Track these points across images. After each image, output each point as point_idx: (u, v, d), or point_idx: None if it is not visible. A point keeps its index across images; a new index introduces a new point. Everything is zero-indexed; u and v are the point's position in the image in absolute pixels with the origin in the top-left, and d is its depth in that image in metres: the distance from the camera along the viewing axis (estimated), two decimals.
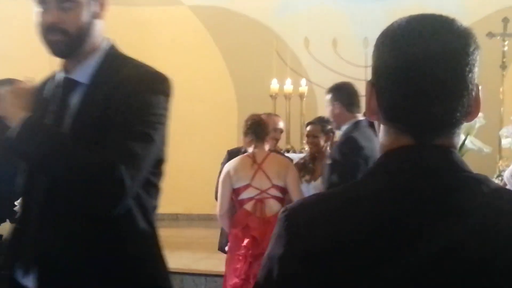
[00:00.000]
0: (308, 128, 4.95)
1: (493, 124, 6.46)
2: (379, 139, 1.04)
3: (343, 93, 4.00)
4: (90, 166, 1.68)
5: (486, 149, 6.16)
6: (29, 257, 1.81)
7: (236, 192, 4.31)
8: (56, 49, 1.82)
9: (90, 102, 1.80)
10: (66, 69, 1.89)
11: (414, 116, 0.97)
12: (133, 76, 1.81)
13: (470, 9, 7.90)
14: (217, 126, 8.57)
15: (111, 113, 1.73)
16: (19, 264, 1.84)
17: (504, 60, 7.07)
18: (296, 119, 7.61)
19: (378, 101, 1.01)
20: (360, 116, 3.95)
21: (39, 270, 1.79)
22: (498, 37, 6.97)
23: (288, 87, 7.80)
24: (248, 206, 4.27)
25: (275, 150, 5.21)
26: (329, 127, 4.61)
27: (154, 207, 1.92)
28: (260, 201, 4.26)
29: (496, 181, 5.43)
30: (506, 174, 5.19)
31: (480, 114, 1.03)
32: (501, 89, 7.10)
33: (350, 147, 3.77)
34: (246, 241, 4.19)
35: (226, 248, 4.48)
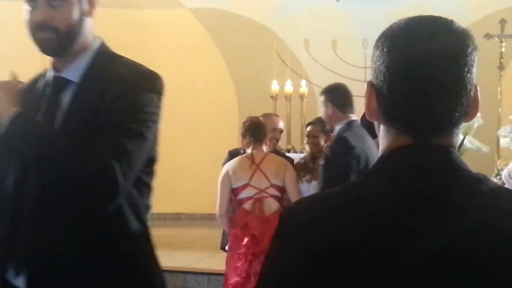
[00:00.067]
0: (308, 128, 4.99)
1: (491, 124, 6.51)
2: (379, 139, 1.04)
3: (335, 94, 4.02)
4: (82, 162, 1.66)
5: (485, 148, 6.21)
6: (21, 257, 1.79)
7: (235, 191, 4.36)
8: (46, 47, 1.80)
9: (81, 101, 1.78)
10: (56, 67, 1.87)
11: (414, 116, 0.97)
12: (126, 74, 1.79)
13: (468, 10, 7.93)
14: (218, 127, 8.57)
15: (103, 111, 1.71)
16: (10, 264, 1.80)
17: (502, 61, 7.11)
18: (297, 120, 7.64)
19: (377, 102, 1.01)
20: (353, 117, 3.98)
21: (30, 271, 1.77)
22: (496, 38, 7.01)
23: (289, 88, 7.83)
24: (247, 206, 4.31)
25: (276, 150, 5.27)
26: (329, 127, 4.66)
27: (147, 207, 1.90)
28: (258, 200, 4.30)
29: (495, 180, 5.48)
30: (504, 174, 5.25)
31: (478, 114, 1.04)
32: (499, 90, 7.12)
33: (342, 147, 3.81)
34: (246, 239, 4.23)
35: (227, 248, 4.52)
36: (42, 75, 1.93)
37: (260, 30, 8.86)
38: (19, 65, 1.82)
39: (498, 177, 5.89)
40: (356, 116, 4.01)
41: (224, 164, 4.60)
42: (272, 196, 4.32)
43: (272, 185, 4.32)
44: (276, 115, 5.52)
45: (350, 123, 3.95)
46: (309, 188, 4.60)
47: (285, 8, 8.89)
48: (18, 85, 1.79)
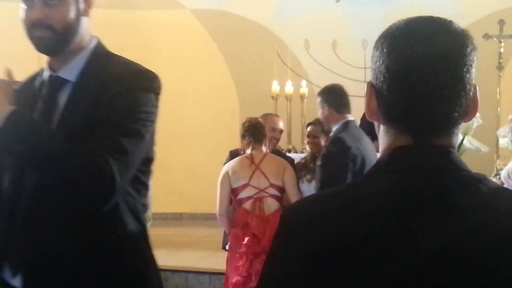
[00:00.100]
0: (309, 128, 5.03)
1: (490, 124, 6.53)
2: (379, 139, 1.05)
3: (331, 95, 4.04)
4: (79, 161, 1.64)
5: (484, 148, 6.25)
6: (17, 257, 1.78)
7: (234, 191, 4.39)
8: (43, 45, 1.78)
9: (78, 100, 1.77)
10: (52, 67, 1.86)
11: (413, 117, 0.97)
12: (123, 73, 1.78)
13: (467, 11, 7.93)
14: (220, 128, 8.57)
15: (100, 110, 1.70)
16: (7, 264, 1.80)
17: (501, 61, 7.12)
18: (297, 120, 7.66)
19: (377, 102, 1.01)
20: (350, 117, 4.00)
21: (26, 271, 1.76)
22: (494, 39, 7.02)
23: (289, 88, 7.85)
24: (247, 205, 4.35)
25: (276, 150, 5.31)
26: (327, 128, 4.69)
27: (144, 206, 1.90)
28: (258, 200, 4.34)
29: (494, 180, 5.51)
30: (503, 173, 5.26)
31: (477, 114, 1.04)
32: (498, 90, 7.13)
33: (338, 147, 3.82)
34: (246, 239, 4.26)
35: (226, 247, 4.56)
36: (39, 75, 1.92)
37: (261, 31, 8.87)
38: (16, 65, 1.81)
39: (497, 177, 5.90)
40: (353, 116, 4.02)
41: (225, 163, 4.63)
42: (271, 195, 4.36)
43: (272, 185, 4.36)
44: (276, 115, 5.55)
45: (347, 124, 3.96)
46: (310, 188, 4.63)
47: (285, 10, 8.89)
48: (13, 83, 1.76)
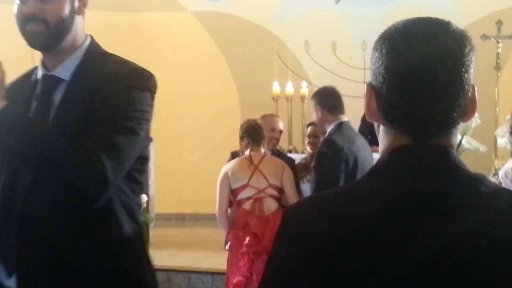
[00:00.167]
0: (309, 128, 5.09)
1: (488, 124, 6.52)
2: (378, 140, 1.05)
3: (324, 97, 4.04)
4: (71, 156, 1.62)
5: (482, 148, 6.29)
6: (12, 258, 1.75)
7: (234, 192, 4.42)
8: (36, 40, 1.75)
9: (72, 98, 1.75)
10: (46, 66, 1.83)
11: (413, 117, 0.97)
12: (118, 72, 1.76)
13: (465, 12, 7.95)
14: (221, 129, 8.57)
15: (94, 109, 1.68)
16: (2, 264, 1.77)
17: (499, 61, 7.15)
18: (298, 121, 7.68)
19: (377, 102, 1.01)
20: (344, 118, 4.00)
21: (21, 271, 1.74)
22: (492, 39, 7.06)
23: (290, 89, 7.86)
24: (247, 206, 4.38)
25: (277, 151, 5.36)
26: (321, 129, 4.70)
27: (139, 205, 1.89)
28: (258, 200, 4.37)
29: (493, 179, 5.54)
30: (500, 173, 5.29)
31: (476, 114, 1.04)
32: (496, 90, 7.17)
33: (330, 148, 3.83)
34: (247, 239, 4.29)
35: (227, 247, 4.58)
36: (32, 73, 1.90)
37: (262, 32, 8.90)
38: (10, 65, 1.77)
39: (496, 176, 5.93)
40: (347, 117, 4.02)
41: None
42: (271, 196, 4.39)
43: (271, 185, 4.39)
44: (275, 116, 5.57)
45: (340, 125, 3.96)
46: (310, 188, 4.69)
47: (285, 11, 8.92)
48: (3, 76, 1.69)
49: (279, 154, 5.20)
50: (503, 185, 4.85)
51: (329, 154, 3.81)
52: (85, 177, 1.62)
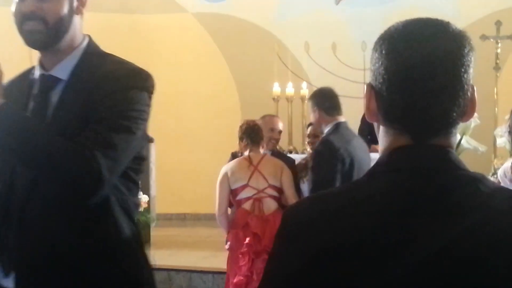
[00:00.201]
0: (309, 129, 5.09)
1: (488, 124, 6.51)
2: (378, 140, 1.05)
3: (320, 98, 4.05)
4: (66, 154, 1.61)
5: (482, 148, 6.30)
6: (9, 258, 1.75)
7: (234, 192, 4.44)
8: (34, 39, 1.74)
9: (70, 98, 1.74)
10: (44, 66, 1.82)
11: (413, 117, 0.97)
12: (117, 72, 1.76)
13: (464, 12, 7.99)
14: (222, 129, 8.58)
15: (92, 108, 1.68)
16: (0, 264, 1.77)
17: (498, 61, 7.17)
18: (298, 121, 7.70)
19: (377, 103, 1.01)
20: (341, 118, 4.01)
21: (19, 271, 1.73)
22: (492, 40, 7.09)
23: (290, 90, 7.88)
24: (247, 206, 4.40)
25: (277, 151, 5.38)
26: (319, 130, 4.72)
27: (136, 205, 1.89)
28: (258, 200, 4.38)
29: (492, 179, 5.55)
30: (499, 172, 5.30)
31: (475, 114, 1.04)
32: (495, 90, 7.20)
33: (326, 149, 3.86)
34: (247, 239, 4.30)
35: (226, 247, 4.60)
36: (29, 73, 1.89)
37: (262, 33, 8.93)
38: (8, 66, 1.77)
39: (495, 176, 5.95)
40: (344, 118, 4.04)
41: None
42: (270, 196, 4.42)
43: (270, 186, 4.41)
44: (275, 116, 5.58)
45: (337, 125, 3.97)
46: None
47: (285, 12, 8.95)
48: (1, 75, 1.68)
49: (279, 154, 5.22)
50: (502, 184, 4.86)
51: (326, 155, 3.83)
52: (80, 175, 1.62)
